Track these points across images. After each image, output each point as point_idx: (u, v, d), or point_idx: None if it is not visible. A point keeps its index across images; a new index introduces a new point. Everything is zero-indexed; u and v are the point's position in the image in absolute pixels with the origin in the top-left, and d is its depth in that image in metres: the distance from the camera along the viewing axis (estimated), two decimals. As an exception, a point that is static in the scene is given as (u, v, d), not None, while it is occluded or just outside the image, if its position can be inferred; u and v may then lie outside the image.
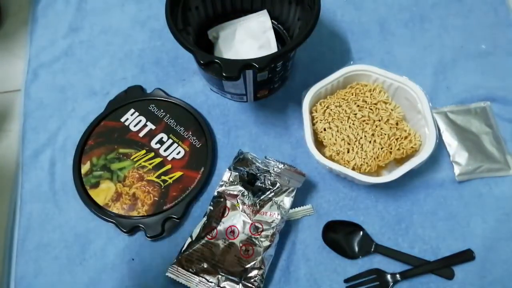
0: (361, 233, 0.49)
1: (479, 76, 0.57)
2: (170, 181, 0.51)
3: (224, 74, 0.42)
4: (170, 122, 0.55)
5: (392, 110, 0.50)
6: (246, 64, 0.43)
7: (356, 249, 0.48)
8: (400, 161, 0.49)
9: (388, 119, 0.49)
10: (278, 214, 0.47)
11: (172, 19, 0.46)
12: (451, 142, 0.52)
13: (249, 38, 0.55)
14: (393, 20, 0.63)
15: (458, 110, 0.54)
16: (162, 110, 0.56)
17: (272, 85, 0.53)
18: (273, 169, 0.49)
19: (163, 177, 0.52)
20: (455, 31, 0.61)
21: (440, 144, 0.52)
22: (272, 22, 0.57)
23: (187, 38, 0.48)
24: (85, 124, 0.56)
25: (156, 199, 0.51)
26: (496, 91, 0.56)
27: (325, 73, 0.52)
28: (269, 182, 0.50)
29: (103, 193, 0.51)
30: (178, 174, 0.52)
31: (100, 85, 0.60)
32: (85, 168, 0.53)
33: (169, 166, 0.52)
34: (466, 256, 0.47)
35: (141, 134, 0.54)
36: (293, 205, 0.49)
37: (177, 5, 0.49)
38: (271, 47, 0.54)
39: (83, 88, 0.60)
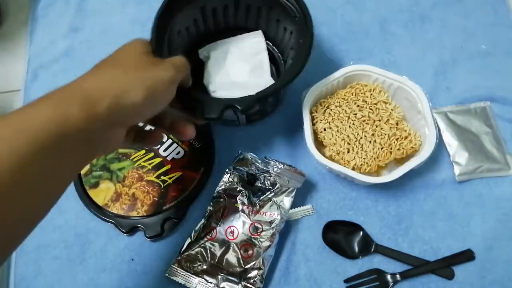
0: (361, 233, 0.49)
1: (479, 76, 0.57)
2: (170, 181, 0.51)
3: (205, 116, 0.41)
4: (170, 122, 0.55)
5: (392, 110, 0.50)
6: (228, 105, 0.41)
7: (356, 249, 0.48)
8: (400, 161, 0.49)
9: (388, 119, 0.49)
10: (278, 214, 0.47)
11: (157, 46, 0.44)
12: (451, 142, 0.52)
13: (241, 59, 0.53)
14: (393, 21, 0.63)
15: (458, 110, 0.54)
16: (161, 110, 0.56)
17: (264, 112, 0.53)
18: (273, 169, 0.49)
19: (162, 177, 0.52)
20: (455, 31, 0.61)
21: (440, 144, 0.52)
22: (267, 43, 0.55)
23: None
24: (85, 124, 0.56)
25: (156, 199, 0.50)
26: (496, 91, 0.56)
27: (325, 73, 0.52)
28: (268, 182, 0.49)
29: (102, 193, 0.51)
30: (177, 174, 0.52)
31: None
32: (84, 168, 0.53)
33: (168, 166, 0.52)
34: (466, 256, 0.47)
35: (140, 134, 0.54)
36: (293, 205, 0.49)
37: (164, 32, 0.46)
38: (264, 69, 0.53)
39: (83, 88, 0.60)
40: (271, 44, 0.57)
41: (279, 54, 0.56)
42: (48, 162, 0.27)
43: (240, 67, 0.53)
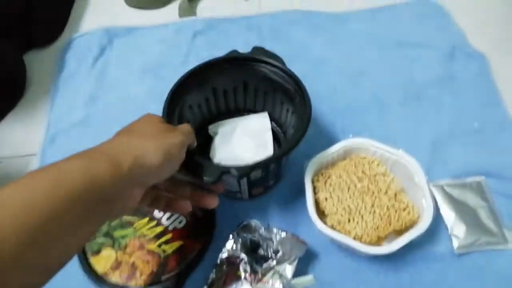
0: (363, 305, 0.49)
1: (473, 152, 0.60)
2: (170, 251, 0.51)
3: (203, 178, 0.43)
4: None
5: (390, 182, 0.52)
6: (225, 170, 0.44)
7: (358, 322, 0.48)
8: (399, 233, 0.50)
9: (386, 191, 0.51)
10: (279, 284, 0.48)
11: (168, 117, 0.49)
12: (448, 215, 0.54)
13: (247, 137, 0.57)
14: (390, 97, 0.67)
15: (455, 184, 0.56)
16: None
17: (267, 183, 0.55)
18: (276, 237, 0.50)
19: (163, 247, 0.51)
20: (449, 109, 0.65)
21: (438, 217, 0.54)
22: (272, 124, 0.60)
23: None
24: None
25: (155, 269, 0.50)
26: (490, 167, 0.58)
27: (326, 145, 0.55)
28: (271, 250, 0.50)
29: (103, 261, 0.51)
30: (178, 243, 0.52)
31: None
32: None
33: (169, 236, 0.52)
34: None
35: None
36: (295, 274, 0.49)
37: (176, 105, 0.51)
38: (268, 148, 0.56)
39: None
40: (275, 125, 0.61)
41: (282, 134, 0.60)
42: (75, 218, 0.28)
43: (245, 143, 0.56)
